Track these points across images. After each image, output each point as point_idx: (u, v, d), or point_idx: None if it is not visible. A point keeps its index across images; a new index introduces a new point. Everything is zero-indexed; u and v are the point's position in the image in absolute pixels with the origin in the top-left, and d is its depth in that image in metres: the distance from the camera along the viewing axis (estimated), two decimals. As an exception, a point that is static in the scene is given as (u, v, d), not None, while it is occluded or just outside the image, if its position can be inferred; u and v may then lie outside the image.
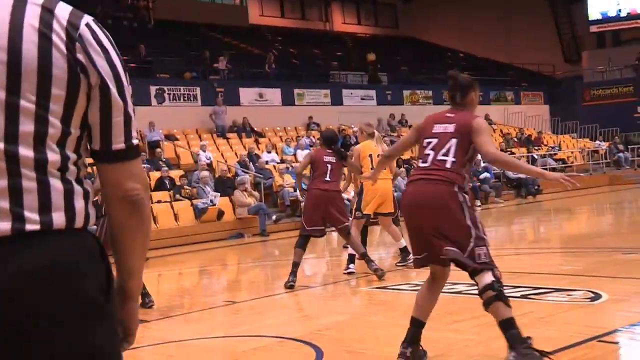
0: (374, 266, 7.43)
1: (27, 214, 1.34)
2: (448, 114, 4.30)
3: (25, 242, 1.34)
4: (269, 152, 19.22)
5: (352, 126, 23.26)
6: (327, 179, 7.38)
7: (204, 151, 18.12)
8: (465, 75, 4.49)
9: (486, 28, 34.65)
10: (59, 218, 1.38)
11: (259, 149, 19.42)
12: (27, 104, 1.34)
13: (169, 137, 19.52)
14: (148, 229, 1.59)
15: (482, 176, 19.80)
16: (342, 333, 5.06)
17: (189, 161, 18.32)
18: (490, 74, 31.71)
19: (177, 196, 15.21)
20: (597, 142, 26.84)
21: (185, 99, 21.45)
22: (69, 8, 1.41)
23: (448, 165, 4.09)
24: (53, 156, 1.38)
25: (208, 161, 17.43)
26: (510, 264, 8.32)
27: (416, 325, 4.21)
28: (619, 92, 29.53)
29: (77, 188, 1.44)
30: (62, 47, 1.35)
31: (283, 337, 5.33)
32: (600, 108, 29.13)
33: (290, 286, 7.29)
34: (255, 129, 21.49)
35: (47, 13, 1.36)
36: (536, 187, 20.51)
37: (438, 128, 4.23)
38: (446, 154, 4.11)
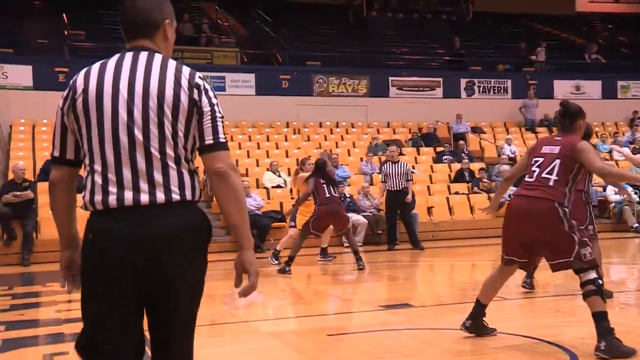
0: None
1: (173, 189, 2.34)
2: (556, 137, 5.01)
3: (170, 207, 2.33)
4: (581, 146, 17.99)
5: (687, 123, 20.78)
6: None
7: (509, 145, 17.69)
8: (575, 104, 5.04)
9: None
10: (189, 193, 2.37)
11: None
12: (168, 123, 2.35)
13: (475, 130, 19.49)
14: (237, 194, 2.39)
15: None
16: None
17: (493, 154, 18.07)
18: None
19: (475, 189, 15.14)
20: None
21: (496, 91, 21.17)
22: (189, 69, 2.43)
23: (551, 183, 4.75)
24: (183, 154, 2.38)
25: (512, 155, 16.97)
26: None
27: (480, 306, 5.20)
28: None
29: (195, 176, 2.42)
30: (187, 90, 2.37)
31: (541, 340, 5.04)
32: None
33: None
34: (569, 123, 20.30)
35: (179, 72, 2.40)
36: None
37: (545, 149, 4.89)
38: (550, 173, 4.76)
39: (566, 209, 4.72)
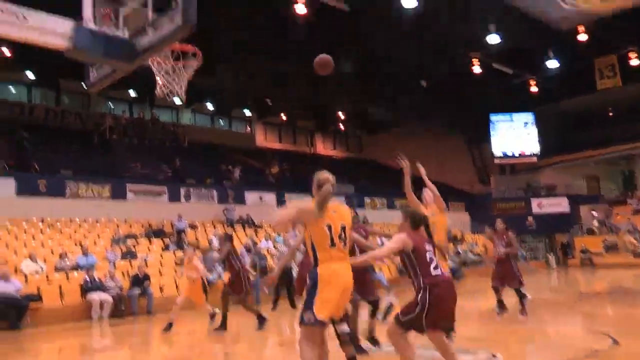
0: None
1: None
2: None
3: None
4: (266, 240, 19.31)
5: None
6: None
7: (216, 237, 18.23)
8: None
9: (424, 156, 35.71)
10: None
11: (258, 238, 19.55)
12: None
13: (192, 226, 19.63)
14: None
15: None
16: None
17: (206, 244, 18.35)
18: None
19: (195, 270, 15.17)
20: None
21: (206, 198, 21.75)
22: None
23: None
24: None
25: (218, 246, 17.46)
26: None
27: None
28: (515, 206, 30.87)
29: None
30: None
31: None
32: (504, 217, 29.61)
33: None
34: (256, 222, 21.71)
35: None
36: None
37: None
38: None
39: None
